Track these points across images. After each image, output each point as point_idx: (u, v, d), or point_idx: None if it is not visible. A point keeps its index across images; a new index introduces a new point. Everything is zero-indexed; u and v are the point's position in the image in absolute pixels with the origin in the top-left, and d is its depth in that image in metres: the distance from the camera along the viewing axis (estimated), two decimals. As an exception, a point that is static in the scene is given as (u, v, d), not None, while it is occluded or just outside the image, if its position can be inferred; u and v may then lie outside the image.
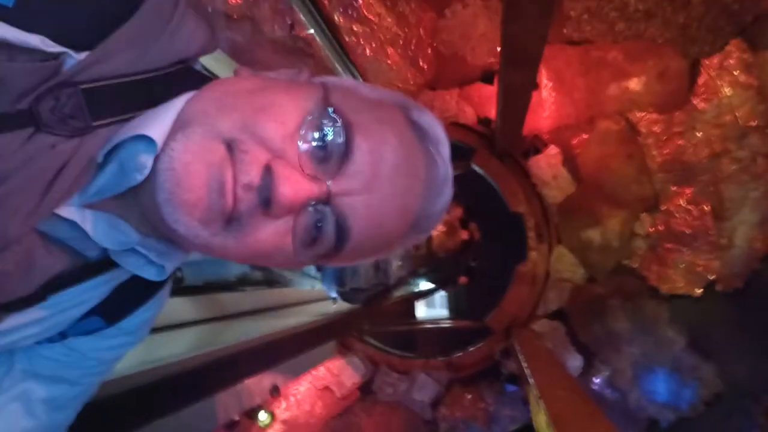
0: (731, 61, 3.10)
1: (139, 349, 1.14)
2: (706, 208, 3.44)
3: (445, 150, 0.67)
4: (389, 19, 4.13)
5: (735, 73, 3.11)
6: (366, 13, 4.08)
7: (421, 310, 6.83)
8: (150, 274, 0.64)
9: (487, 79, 3.80)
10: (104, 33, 0.52)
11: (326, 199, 0.57)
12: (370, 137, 0.57)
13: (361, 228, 0.59)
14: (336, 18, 3.99)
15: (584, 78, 3.87)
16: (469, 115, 4.23)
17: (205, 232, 0.55)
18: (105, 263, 0.63)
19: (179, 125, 0.56)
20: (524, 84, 2.49)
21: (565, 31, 3.79)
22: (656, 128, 3.62)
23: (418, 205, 0.64)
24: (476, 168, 4.36)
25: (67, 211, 0.56)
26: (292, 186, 0.53)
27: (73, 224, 0.57)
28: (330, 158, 0.56)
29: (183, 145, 0.53)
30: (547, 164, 4.15)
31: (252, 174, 0.53)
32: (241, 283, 2.41)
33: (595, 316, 3.78)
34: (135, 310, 0.71)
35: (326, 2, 3.79)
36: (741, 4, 2.86)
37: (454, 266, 3.81)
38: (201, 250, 0.60)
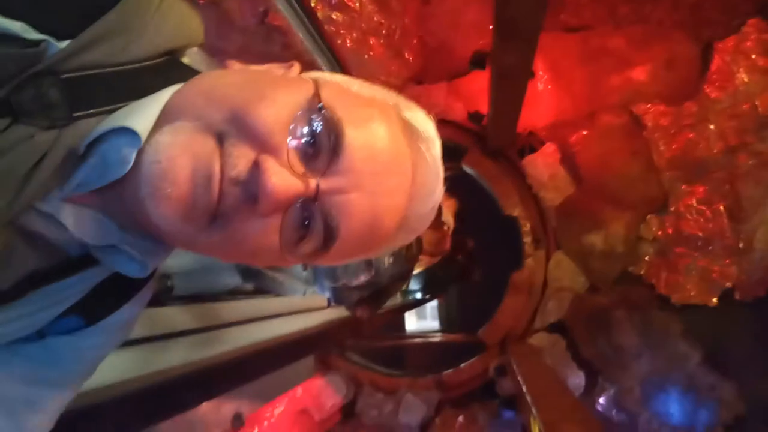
0: (748, 44, 2.88)
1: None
2: (720, 208, 3.23)
3: (436, 149, 0.68)
4: (371, 7, 3.85)
5: (753, 56, 2.89)
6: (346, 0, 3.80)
7: (412, 321, 6.60)
8: (132, 271, 0.63)
9: (478, 63, 3.48)
10: (87, 21, 0.53)
11: (314, 197, 0.57)
12: (360, 135, 0.58)
13: (349, 227, 0.59)
14: (313, 3, 3.69)
15: (584, 68, 3.63)
16: (458, 112, 4.00)
17: (189, 228, 0.55)
18: (86, 260, 0.62)
19: (166, 117, 0.56)
20: (520, 66, 2.18)
21: (562, 16, 3.54)
22: (664, 121, 3.38)
23: (408, 205, 0.64)
24: (467, 168, 4.11)
25: (47, 205, 0.56)
26: (280, 182, 0.53)
27: (53, 219, 0.57)
28: (319, 155, 0.57)
29: (170, 138, 0.54)
30: (544, 163, 3.93)
31: (239, 168, 0.53)
32: (233, 294, 2.36)
33: (599, 329, 3.55)
34: (116, 308, 0.70)
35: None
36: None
37: (445, 269, 3.58)
38: (185, 246, 0.61)
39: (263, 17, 3.80)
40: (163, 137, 0.54)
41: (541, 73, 3.71)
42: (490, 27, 2.07)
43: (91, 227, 0.59)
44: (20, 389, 0.68)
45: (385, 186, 0.60)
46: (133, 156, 0.53)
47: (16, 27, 0.49)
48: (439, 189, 0.68)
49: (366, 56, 3.96)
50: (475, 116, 3.95)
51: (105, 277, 0.66)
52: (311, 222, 0.58)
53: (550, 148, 3.87)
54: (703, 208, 3.29)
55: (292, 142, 0.55)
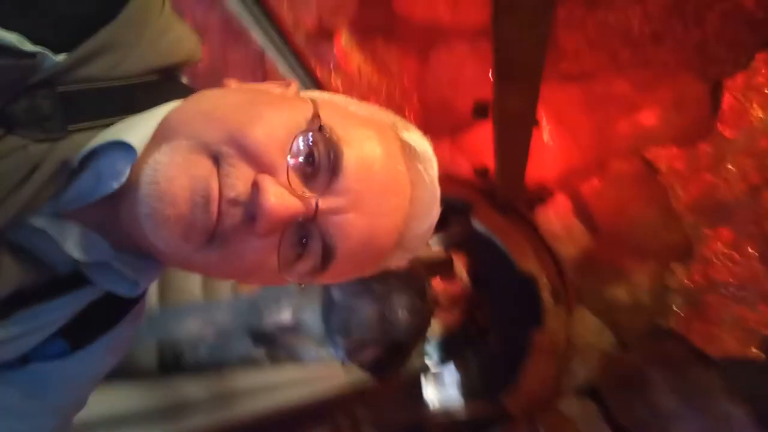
0: (759, 79, 2.81)
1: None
2: (750, 250, 3.04)
3: (433, 169, 0.67)
4: (369, 69, 3.86)
5: (765, 91, 2.78)
6: (344, 64, 3.81)
7: (430, 389, 6.28)
8: (123, 290, 0.62)
9: (480, 112, 3.41)
10: (83, 35, 0.53)
11: (313, 216, 0.57)
12: (359, 155, 0.58)
13: (347, 246, 0.59)
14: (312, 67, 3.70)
15: (589, 116, 3.56)
16: (464, 167, 3.92)
17: (187, 247, 0.55)
18: (75, 279, 0.61)
19: (163, 136, 0.55)
20: (523, 109, 2.08)
21: (562, 65, 3.50)
22: (678, 164, 3.27)
23: (405, 225, 0.64)
24: (477, 225, 3.98)
25: (38, 220, 0.55)
26: (279, 202, 0.53)
27: (43, 234, 0.56)
28: (318, 175, 0.57)
29: (168, 158, 0.53)
30: (557, 215, 3.80)
31: (238, 189, 0.53)
32: (244, 362, 2.31)
33: (633, 391, 3.31)
34: (103, 332, 0.69)
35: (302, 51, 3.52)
36: (766, 11, 2.50)
37: (462, 329, 3.41)
38: (182, 265, 0.60)
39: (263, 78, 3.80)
40: (161, 156, 0.53)
41: (545, 123, 3.65)
42: (490, 77, 2.00)
43: (82, 244, 0.58)
44: (4, 421, 0.67)
45: (384, 206, 0.60)
46: (128, 170, 0.53)
47: (12, 38, 0.49)
48: (436, 208, 0.68)
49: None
50: (481, 172, 3.87)
51: (93, 299, 0.65)
52: (309, 241, 0.58)
53: (561, 199, 3.76)
54: (731, 252, 3.12)
55: (292, 162, 0.55)
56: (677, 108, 3.15)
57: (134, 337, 0.76)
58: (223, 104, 0.58)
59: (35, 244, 0.57)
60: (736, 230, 3.09)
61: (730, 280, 3.11)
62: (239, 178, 0.53)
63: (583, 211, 3.68)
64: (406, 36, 3.73)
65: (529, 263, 3.75)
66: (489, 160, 3.62)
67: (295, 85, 0.66)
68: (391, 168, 0.60)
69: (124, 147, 0.53)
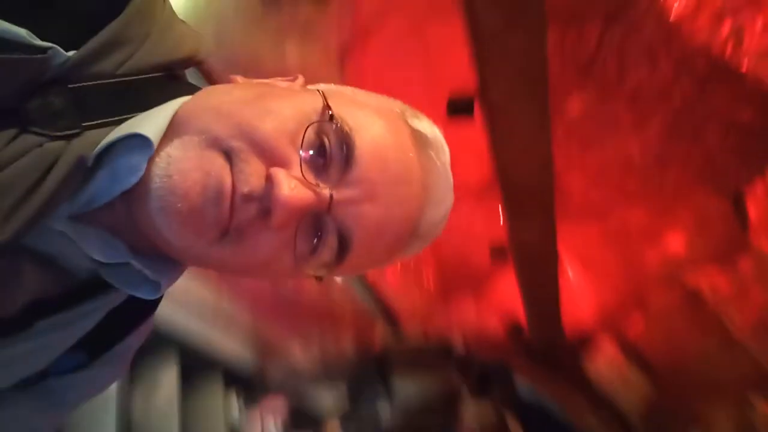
0: None
1: None
2: None
3: (445, 155, 0.68)
4: None
5: None
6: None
7: None
8: (145, 292, 0.61)
9: (498, 255, 3.29)
10: (90, 32, 0.53)
11: (327, 209, 0.57)
12: (371, 145, 0.58)
13: (362, 237, 0.59)
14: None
15: (613, 251, 3.44)
16: (494, 325, 3.70)
17: (200, 243, 0.55)
18: (95, 285, 0.61)
19: (175, 131, 0.55)
20: (542, 242, 1.97)
21: (571, 205, 3.47)
22: (723, 286, 3.03)
23: (420, 213, 0.63)
24: (523, 386, 3.62)
25: (56, 222, 0.55)
26: (293, 196, 0.53)
27: (61, 238, 0.55)
28: (331, 166, 0.57)
29: (180, 153, 0.54)
30: (606, 362, 3.48)
31: (252, 183, 0.54)
32: None
33: None
34: (120, 339, 0.68)
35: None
36: (763, 118, 2.50)
37: None
38: (197, 262, 0.61)
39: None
40: (173, 151, 0.54)
41: (568, 266, 3.51)
42: (501, 217, 1.94)
43: (101, 246, 0.57)
44: None
45: (398, 195, 0.60)
46: (145, 164, 0.53)
47: (22, 33, 0.48)
48: (450, 195, 0.68)
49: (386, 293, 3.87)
50: (515, 330, 3.64)
51: (113, 306, 0.65)
52: (324, 233, 0.58)
53: (606, 344, 3.48)
54: (817, 373, 2.73)
55: (304, 155, 0.56)
56: (702, 227, 3.03)
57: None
58: (231, 99, 0.59)
59: (54, 249, 0.57)
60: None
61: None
62: (252, 174, 0.54)
63: (633, 354, 3.38)
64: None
65: (589, 420, 3.31)
66: (519, 311, 3.42)
67: (301, 78, 0.67)
68: (404, 156, 0.61)
69: (139, 141, 0.53)
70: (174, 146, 0.54)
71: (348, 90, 0.67)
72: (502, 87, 1.13)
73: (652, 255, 3.31)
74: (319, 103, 0.58)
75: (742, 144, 2.66)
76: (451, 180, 0.68)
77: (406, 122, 0.65)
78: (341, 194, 0.56)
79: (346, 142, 0.56)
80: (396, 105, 0.67)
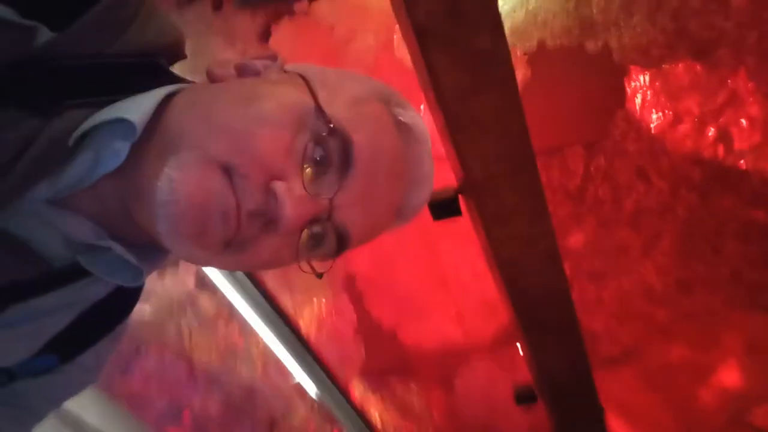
0: None
1: None
2: None
3: (428, 143, 0.69)
4: (391, 416, 3.48)
5: None
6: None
7: None
8: (125, 278, 0.61)
9: (526, 398, 2.79)
10: (76, 14, 0.52)
11: (328, 215, 0.58)
12: (367, 146, 0.59)
13: (358, 233, 0.61)
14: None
15: (657, 395, 3.05)
16: None
17: (205, 254, 0.56)
18: (71, 274, 0.59)
19: (168, 144, 0.55)
20: (574, 371, 1.66)
21: (600, 349, 3.12)
22: None
23: (404, 199, 0.67)
24: None
25: (33, 205, 0.54)
26: (297, 206, 0.54)
27: (38, 222, 0.54)
28: (329, 172, 0.58)
29: (180, 174, 0.53)
30: None
31: (256, 200, 0.54)
32: None
33: None
34: (94, 342, 0.67)
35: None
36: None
37: None
38: (194, 263, 0.60)
39: None
40: (172, 172, 0.53)
41: (610, 421, 3.04)
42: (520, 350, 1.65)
43: (81, 230, 0.56)
44: None
45: (387, 190, 0.62)
46: (126, 150, 0.53)
47: (7, 11, 0.48)
48: (430, 179, 0.71)
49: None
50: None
51: (86, 308, 0.63)
52: (324, 234, 0.60)
53: None
54: None
55: (302, 162, 0.56)
56: (752, 352, 2.69)
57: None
58: (222, 110, 0.57)
59: (28, 233, 0.55)
60: None
61: None
62: (255, 190, 0.54)
63: None
64: (422, 369, 3.46)
65: None
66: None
67: (281, 59, 0.66)
68: (392, 150, 0.62)
69: (123, 126, 0.53)
70: (171, 165, 0.52)
71: (333, 77, 0.64)
72: (482, 159, 0.97)
73: (705, 394, 2.87)
74: (311, 104, 0.57)
75: (763, 250, 2.46)
76: (432, 163, 0.70)
77: (391, 111, 0.65)
78: (340, 200, 0.58)
79: (343, 146, 0.57)
80: (382, 91, 0.67)
